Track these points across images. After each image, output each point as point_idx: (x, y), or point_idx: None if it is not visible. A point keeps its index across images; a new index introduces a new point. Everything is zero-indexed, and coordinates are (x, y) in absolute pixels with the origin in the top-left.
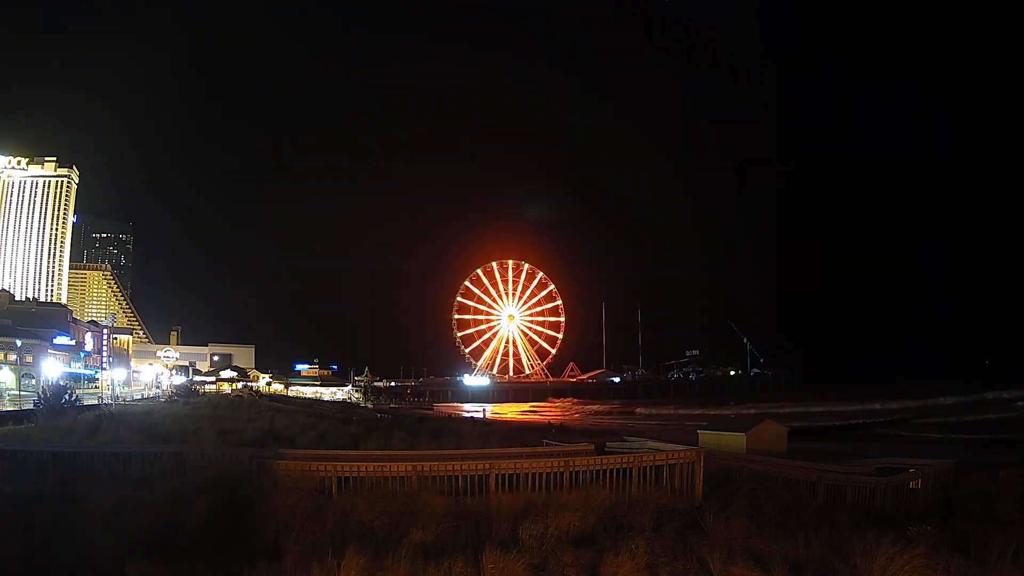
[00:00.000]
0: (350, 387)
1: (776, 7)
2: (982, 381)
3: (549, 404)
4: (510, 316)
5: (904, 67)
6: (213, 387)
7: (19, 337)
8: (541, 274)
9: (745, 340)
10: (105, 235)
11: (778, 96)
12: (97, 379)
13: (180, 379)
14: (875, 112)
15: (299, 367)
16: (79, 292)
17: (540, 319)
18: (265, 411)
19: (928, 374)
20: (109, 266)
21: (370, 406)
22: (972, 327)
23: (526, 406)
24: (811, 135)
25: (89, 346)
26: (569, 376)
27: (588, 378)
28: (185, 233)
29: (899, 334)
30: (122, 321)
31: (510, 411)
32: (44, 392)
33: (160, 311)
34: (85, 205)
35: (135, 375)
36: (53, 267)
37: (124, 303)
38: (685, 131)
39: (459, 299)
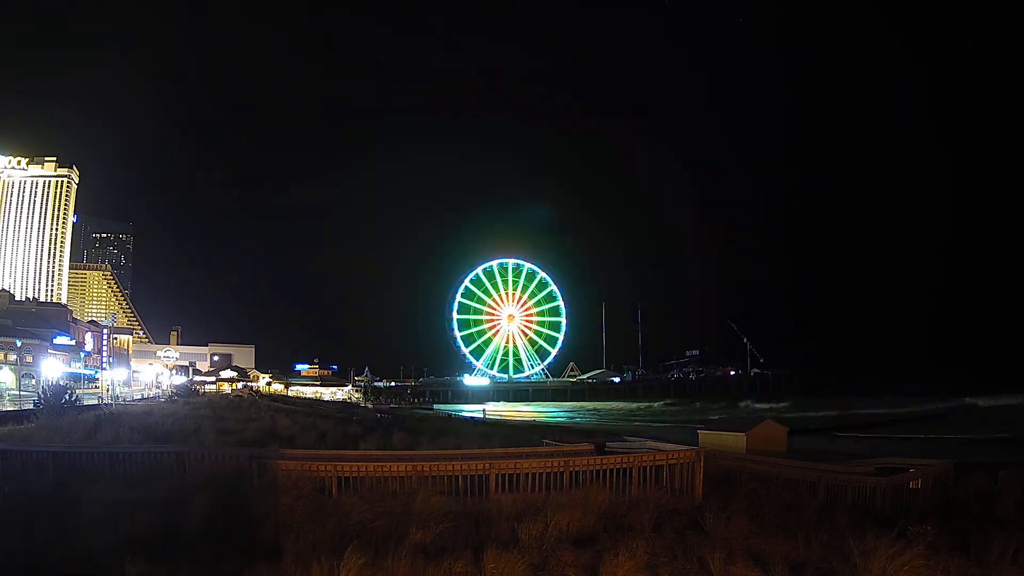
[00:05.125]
0: (350, 387)
1: (785, 11)
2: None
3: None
4: (510, 316)
5: (910, 66)
6: (213, 387)
7: (19, 337)
8: (541, 274)
9: (745, 340)
10: (105, 235)
11: (782, 96)
12: (97, 379)
13: (180, 379)
14: (880, 111)
15: (299, 367)
16: (79, 292)
17: (540, 319)
18: (265, 411)
19: (929, 375)
20: (109, 266)
21: (370, 406)
22: (975, 327)
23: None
24: (814, 134)
25: (89, 346)
26: (569, 376)
27: (588, 378)
28: (185, 233)
29: (901, 334)
30: (122, 321)
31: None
32: (44, 392)
33: (160, 311)
34: (85, 205)
35: (135, 375)
36: (53, 267)
37: (124, 303)
38: (687, 132)
39: (459, 299)
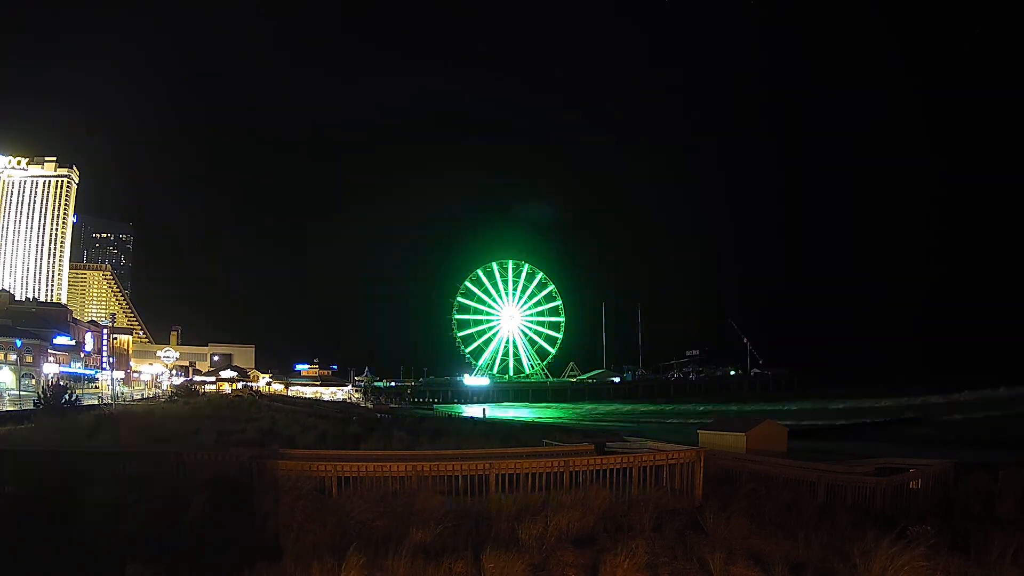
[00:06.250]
0: (350, 387)
1: (778, 9)
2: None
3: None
4: (510, 316)
5: (907, 61)
6: (213, 387)
7: (19, 337)
8: (541, 274)
9: (745, 340)
10: (105, 235)
11: (779, 94)
12: (97, 379)
13: (180, 379)
14: (877, 106)
15: (299, 367)
16: (79, 292)
17: (540, 319)
18: (265, 411)
19: (929, 374)
20: (109, 266)
21: (370, 406)
22: (975, 326)
23: None
24: (812, 132)
25: (89, 346)
26: (569, 376)
27: (588, 378)
28: (185, 233)
29: (900, 334)
30: (122, 321)
31: None
32: (44, 392)
33: (160, 311)
34: (85, 205)
35: (135, 375)
36: (53, 267)
37: (124, 303)
38: (686, 130)
39: (459, 299)
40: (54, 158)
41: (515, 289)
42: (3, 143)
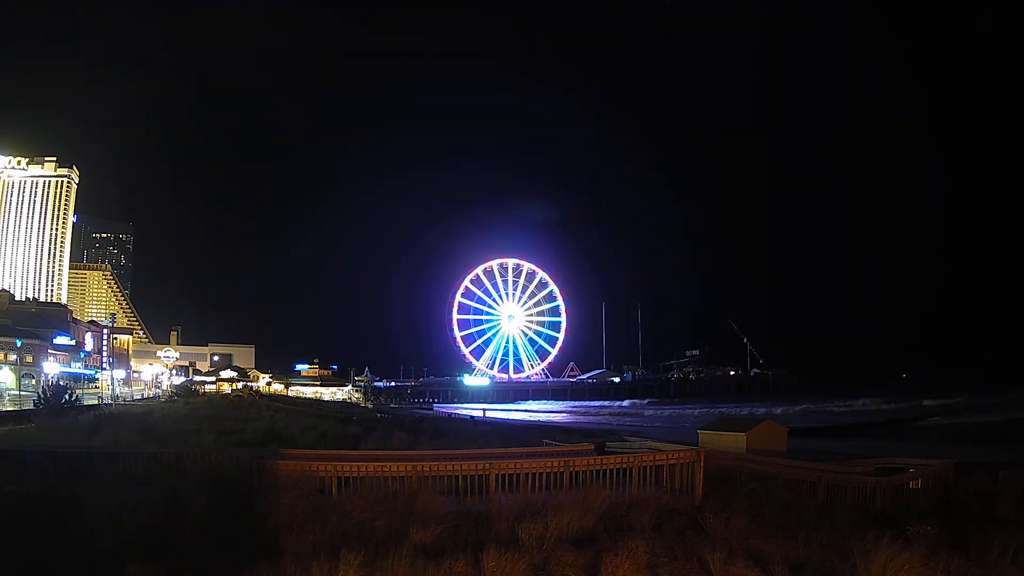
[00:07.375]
0: (350, 387)
1: (771, 9)
2: (980, 382)
3: None
4: (510, 316)
5: (906, 63)
6: (213, 387)
7: (19, 337)
8: (541, 274)
9: (745, 340)
10: (105, 235)
11: (778, 95)
12: (97, 379)
13: (180, 379)
14: (877, 109)
15: (299, 367)
16: (79, 292)
17: (540, 319)
18: (265, 411)
19: (929, 374)
20: (109, 266)
21: (370, 406)
22: (974, 326)
23: None
24: (811, 133)
25: (89, 346)
26: (569, 376)
27: (588, 378)
28: (185, 233)
29: (900, 334)
30: (122, 321)
31: None
32: (44, 392)
33: (160, 311)
34: (85, 205)
35: (135, 375)
36: (53, 267)
37: (124, 303)
38: (685, 130)
39: (459, 299)
40: (54, 158)
41: (515, 289)
42: (3, 143)
